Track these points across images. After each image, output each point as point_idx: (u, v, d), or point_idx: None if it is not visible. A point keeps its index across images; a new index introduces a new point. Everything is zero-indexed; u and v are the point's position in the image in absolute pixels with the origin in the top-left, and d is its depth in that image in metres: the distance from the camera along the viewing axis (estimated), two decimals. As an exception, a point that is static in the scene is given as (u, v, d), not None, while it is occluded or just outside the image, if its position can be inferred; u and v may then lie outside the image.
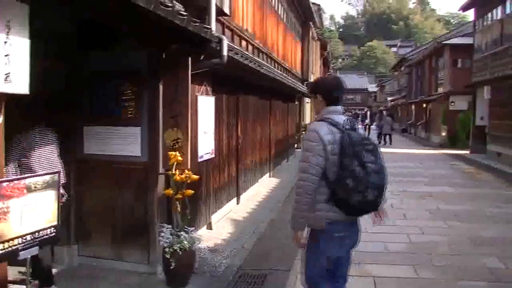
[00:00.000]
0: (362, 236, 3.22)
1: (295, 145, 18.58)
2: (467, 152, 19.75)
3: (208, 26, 4.67)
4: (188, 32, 4.14)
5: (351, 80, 72.72)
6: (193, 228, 4.85)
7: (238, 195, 8.48)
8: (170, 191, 4.68)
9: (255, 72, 7.58)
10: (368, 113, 35.17)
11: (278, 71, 11.80)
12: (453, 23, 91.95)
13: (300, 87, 16.07)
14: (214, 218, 7.02)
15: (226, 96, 7.52)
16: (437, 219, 7.69)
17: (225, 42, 5.05)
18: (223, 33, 7.21)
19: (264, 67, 8.02)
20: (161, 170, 4.85)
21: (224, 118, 7.45)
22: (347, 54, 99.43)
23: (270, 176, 11.76)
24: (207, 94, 6.29)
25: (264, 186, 10.57)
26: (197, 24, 4.21)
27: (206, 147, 6.20)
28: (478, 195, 9.98)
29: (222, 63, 5.11)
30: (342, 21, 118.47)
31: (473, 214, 8.16)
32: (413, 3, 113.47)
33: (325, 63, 35.22)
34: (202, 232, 6.34)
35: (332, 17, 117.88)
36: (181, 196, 4.66)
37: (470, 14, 21.55)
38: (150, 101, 4.82)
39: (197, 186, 5.63)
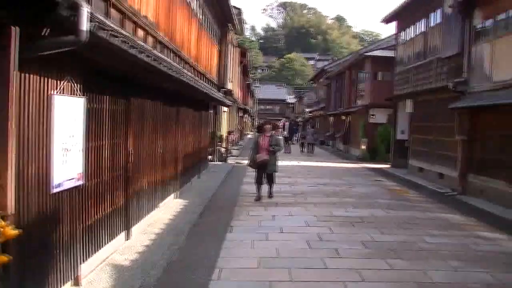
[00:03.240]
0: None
1: (209, 158, 16.82)
2: (388, 166, 19.20)
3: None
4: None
5: (270, 91, 72.77)
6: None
7: (127, 228, 6.55)
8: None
9: (151, 68, 5.76)
10: (287, 124, 34.13)
11: (188, 73, 10.01)
12: (368, 40, 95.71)
13: (216, 94, 14.40)
14: (88, 266, 5.07)
15: (110, 98, 5.61)
16: (375, 256, 6.29)
17: (85, 10, 3.19)
18: (108, 14, 5.36)
19: (164, 64, 6.22)
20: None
21: (106, 127, 5.54)
22: (267, 65, 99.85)
23: (176, 197, 9.89)
24: (72, 93, 4.37)
25: (166, 211, 8.69)
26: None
27: (67, 170, 4.27)
28: (410, 220, 8.82)
29: (80, 42, 3.25)
30: (262, 33, 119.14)
31: (413, 247, 6.87)
32: (331, 19, 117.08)
33: (244, 71, 33.92)
34: (62, 293, 4.38)
35: (253, 28, 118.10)
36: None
37: (383, 32, 21.21)
38: None
39: (37, 235, 3.72)
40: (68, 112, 4.24)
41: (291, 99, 74.14)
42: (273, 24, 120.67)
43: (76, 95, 4.45)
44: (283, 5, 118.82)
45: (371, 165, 19.98)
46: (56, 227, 4.21)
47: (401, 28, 18.74)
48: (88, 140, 4.96)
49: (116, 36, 4.11)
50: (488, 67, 11.51)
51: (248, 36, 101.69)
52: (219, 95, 15.12)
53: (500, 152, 10.99)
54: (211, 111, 17.07)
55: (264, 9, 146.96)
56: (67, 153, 4.23)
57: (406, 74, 17.49)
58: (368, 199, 11.09)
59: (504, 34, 10.89)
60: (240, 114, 37.00)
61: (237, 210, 9.29)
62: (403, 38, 18.45)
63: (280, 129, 46.42)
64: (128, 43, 4.44)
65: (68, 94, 4.27)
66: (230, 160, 19.69)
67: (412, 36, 17.31)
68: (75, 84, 4.42)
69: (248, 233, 7.45)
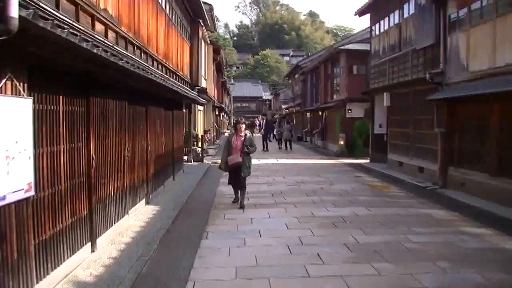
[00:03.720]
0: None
1: (185, 158, 16.29)
2: (367, 161, 18.97)
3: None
4: None
5: (246, 88, 72.39)
6: None
7: (93, 240, 6.01)
8: None
9: (110, 65, 5.25)
10: (263, 121, 33.62)
11: (157, 71, 9.49)
12: (341, 35, 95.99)
13: (189, 92, 13.88)
14: (45, 285, 4.55)
15: (66, 98, 5.08)
16: (360, 260, 5.91)
17: (16, -6, 2.69)
18: (58, 5, 4.82)
19: (126, 59, 5.70)
20: None
21: (62, 131, 5.00)
22: (241, 63, 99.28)
23: (148, 202, 9.35)
24: (15, 93, 3.84)
25: (138, 217, 8.16)
26: None
27: (12, 181, 3.74)
28: (393, 218, 8.49)
29: (10, 32, 2.75)
30: (236, 30, 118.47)
31: (398, 248, 6.54)
32: (304, 15, 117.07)
33: (219, 69, 33.36)
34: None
35: (226, 26, 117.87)
36: None
37: (356, 27, 20.92)
38: None
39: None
40: (11, 115, 3.71)
41: (267, 96, 73.80)
42: (247, 21, 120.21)
43: (21, 95, 3.92)
44: (256, 2, 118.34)
45: (350, 160, 19.71)
46: (1, 246, 3.69)
47: (375, 20, 18.48)
48: (40, 146, 4.44)
49: (63, 27, 3.60)
50: (464, 57, 11.28)
51: (221, 34, 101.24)
52: (192, 93, 14.59)
53: (479, 143, 10.79)
54: (185, 110, 16.51)
55: (237, 6, 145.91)
56: (11, 162, 3.70)
57: (382, 67, 17.25)
58: (349, 197, 10.75)
59: (479, 23, 10.67)
60: (216, 113, 36.43)
61: (213, 214, 8.82)
62: (377, 30, 18.18)
63: (256, 127, 46.00)
64: (78, 36, 3.92)
65: (9, 94, 3.74)
66: (207, 160, 19.17)
67: (386, 28, 17.06)
68: (19, 83, 3.89)
69: (225, 239, 6.99)
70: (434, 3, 12.55)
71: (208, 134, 26.90)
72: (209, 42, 25.82)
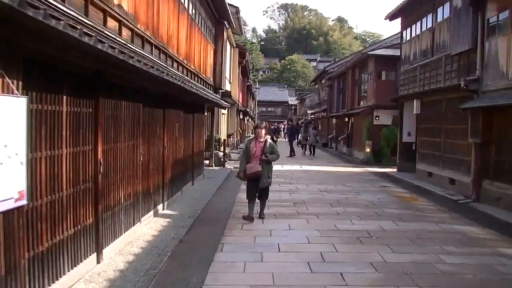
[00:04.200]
0: None
1: (206, 163, 15.89)
2: (394, 170, 18.24)
3: None
4: None
5: (272, 93, 71.91)
6: None
7: (98, 250, 5.62)
8: None
9: (119, 63, 4.85)
10: (288, 127, 33.12)
11: (177, 72, 9.11)
12: (369, 41, 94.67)
13: (211, 95, 13.48)
14: (39, 301, 4.16)
15: (70, 98, 4.70)
16: (388, 283, 5.34)
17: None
18: (64, -2, 4.44)
19: (138, 58, 5.30)
20: None
21: (65, 133, 4.62)
22: (268, 67, 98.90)
23: (163, 209, 8.95)
24: (7, 91, 3.46)
25: (151, 225, 7.76)
26: None
27: (1, 188, 3.36)
28: (423, 234, 7.87)
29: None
30: (263, 34, 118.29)
31: (430, 269, 5.93)
32: (332, 20, 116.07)
33: (244, 72, 32.98)
34: None
35: (254, 30, 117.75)
36: None
37: (385, 33, 20.13)
38: None
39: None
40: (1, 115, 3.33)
41: (293, 100, 73.24)
42: (274, 26, 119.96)
43: (14, 93, 3.54)
44: (284, 7, 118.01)
45: (376, 169, 19.01)
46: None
47: (406, 24, 17.78)
48: (37, 150, 4.07)
49: (59, 19, 3.20)
50: (504, 64, 10.55)
51: (249, 38, 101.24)
52: (214, 97, 14.19)
53: (518, 156, 10.05)
54: (207, 113, 16.14)
55: (265, 11, 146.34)
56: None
57: (412, 73, 16.54)
58: (375, 209, 10.15)
59: (521, 28, 9.97)
60: (241, 117, 36.06)
61: (230, 223, 8.35)
62: (408, 35, 17.48)
63: (281, 132, 45.40)
64: (78, 29, 3.52)
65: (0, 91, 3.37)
66: (229, 165, 18.72)
67: (418, 33, 16.36)
68: (12, 81, 3.51)
69: (241, 252, 6.52)
70: (472, 6, 11.85)
71: (231, 138, 26.55)
72: (235, 45, 25.48)
